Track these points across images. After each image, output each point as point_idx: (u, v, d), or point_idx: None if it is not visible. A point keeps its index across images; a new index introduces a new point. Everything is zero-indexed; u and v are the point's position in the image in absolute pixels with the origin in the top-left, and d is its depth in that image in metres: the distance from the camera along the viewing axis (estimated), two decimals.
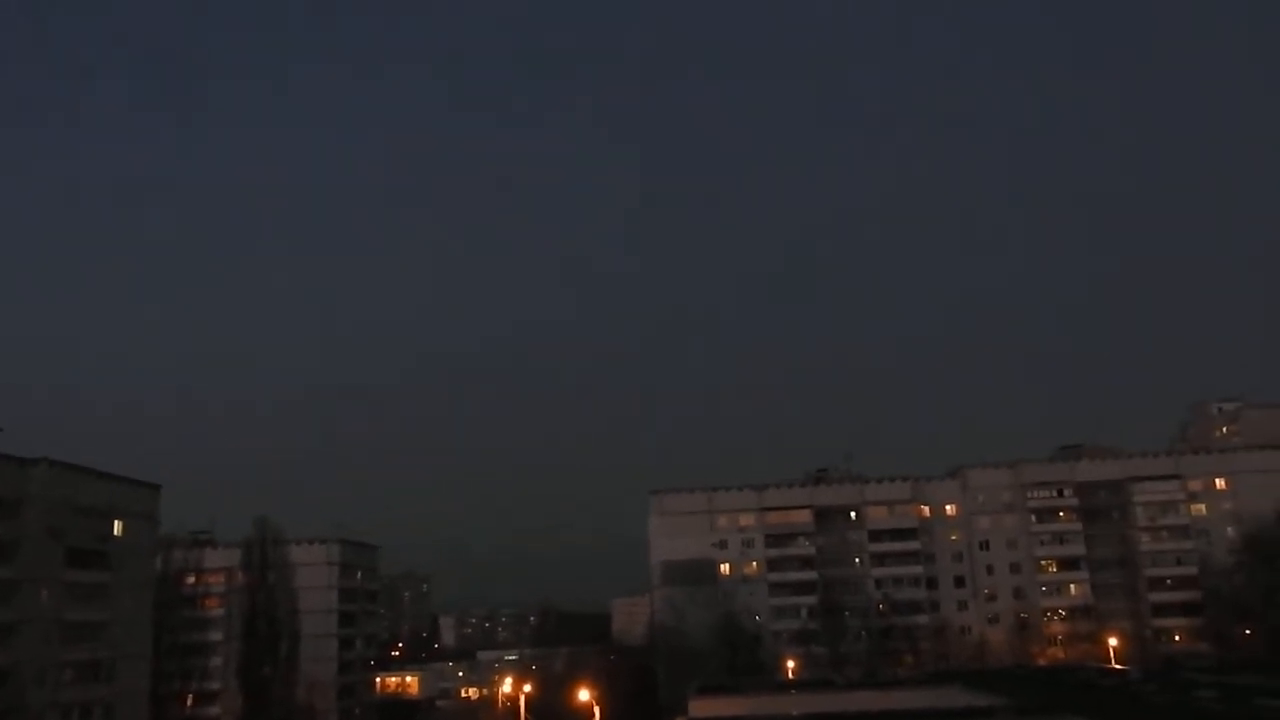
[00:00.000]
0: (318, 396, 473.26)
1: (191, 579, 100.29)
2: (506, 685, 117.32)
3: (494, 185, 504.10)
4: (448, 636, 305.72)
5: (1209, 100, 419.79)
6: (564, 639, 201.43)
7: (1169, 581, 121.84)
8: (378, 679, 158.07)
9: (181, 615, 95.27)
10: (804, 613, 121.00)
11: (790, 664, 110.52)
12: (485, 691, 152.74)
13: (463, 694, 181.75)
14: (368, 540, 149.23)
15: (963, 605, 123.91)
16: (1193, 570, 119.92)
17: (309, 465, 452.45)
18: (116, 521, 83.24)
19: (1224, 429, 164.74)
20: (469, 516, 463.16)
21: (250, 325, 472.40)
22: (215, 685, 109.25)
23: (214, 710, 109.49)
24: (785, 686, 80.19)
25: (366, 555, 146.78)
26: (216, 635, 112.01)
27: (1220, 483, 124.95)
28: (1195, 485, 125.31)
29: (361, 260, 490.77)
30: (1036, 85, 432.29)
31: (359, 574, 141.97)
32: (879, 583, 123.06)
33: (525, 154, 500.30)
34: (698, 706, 57.55)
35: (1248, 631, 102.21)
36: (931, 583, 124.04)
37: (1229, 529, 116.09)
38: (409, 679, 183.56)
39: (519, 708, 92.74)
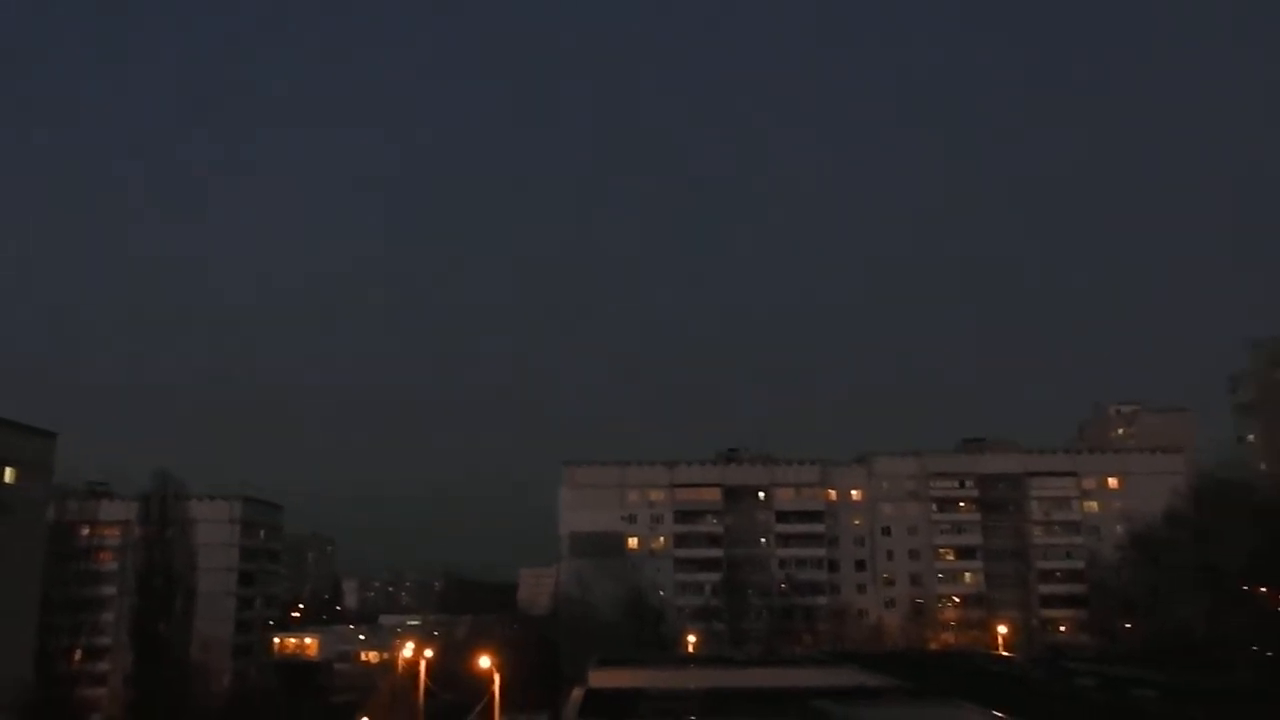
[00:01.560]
0: (225, 352, 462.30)
1: (86, 531, 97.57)
2: (407, 650, 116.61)
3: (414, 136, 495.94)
4: (350, 600, 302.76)
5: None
6: (468, 607, 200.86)
7: (1058, 574, 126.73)
8: (276, 639, 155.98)
9: (74, 568, 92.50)
10: (708, 589, 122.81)
11: (692, 639, 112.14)
12: (386, 656, 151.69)
13: (363, 657, 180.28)
14: (272, 499, 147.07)
15: (862, 589, 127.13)
16: (1081, 565, 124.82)
17: (214, 423, 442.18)
18: (7, 469, 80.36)
19: (1120, 430, 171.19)
20: (377, 480, 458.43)
21: (151, 274, 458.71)
22: (106, 641, 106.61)
23: (103, 666, 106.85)
24: (685, 661, 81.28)
25: (270, 514, 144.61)
26: (110, 590, 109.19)
27: (1113, 482, 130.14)
28: (1089, 483, 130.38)
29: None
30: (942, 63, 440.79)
31: (261, 533, 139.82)
32: (783, 563, 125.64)
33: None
34: (598, 677, 58.04)
35: (1128, 626, 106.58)
36: (834, 565, 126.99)
37: (1118, 527, 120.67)
38: (308, 640, 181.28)
39: (419, 673, 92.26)
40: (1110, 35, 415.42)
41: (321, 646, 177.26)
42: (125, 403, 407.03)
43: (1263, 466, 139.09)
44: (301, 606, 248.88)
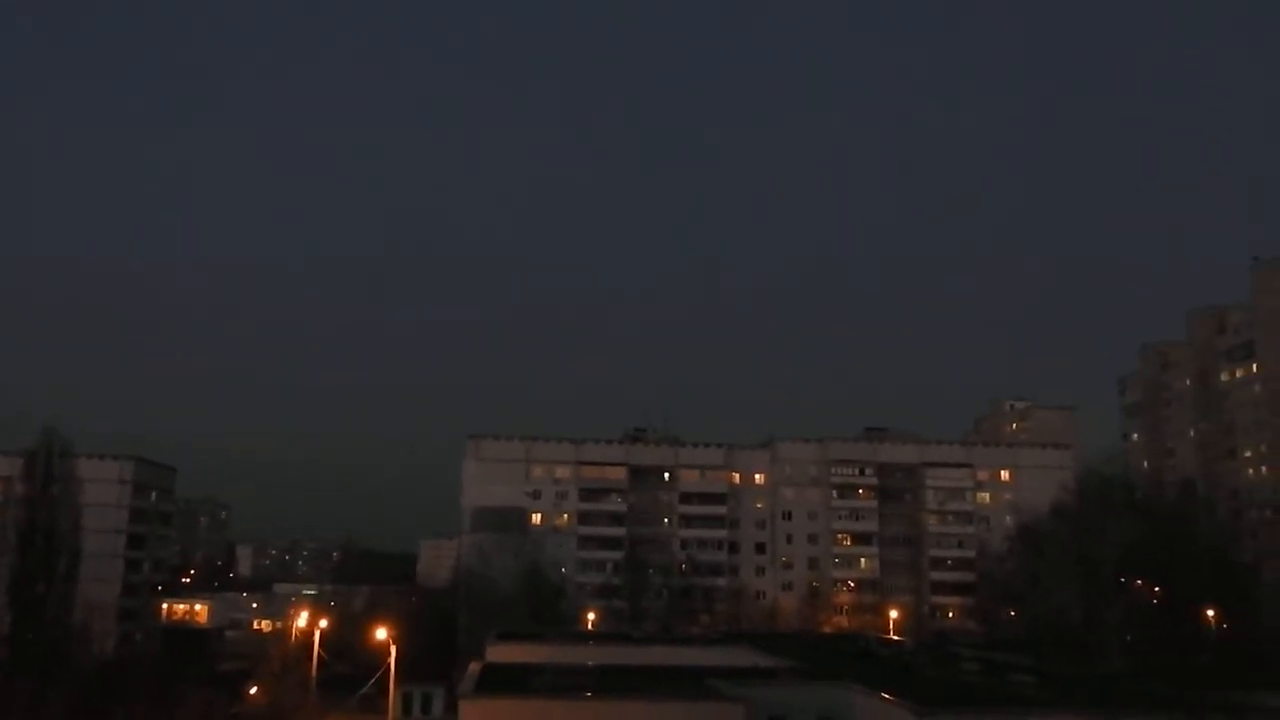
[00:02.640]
0: (129, 313, 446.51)
1: None
2: (302, 619, 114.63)
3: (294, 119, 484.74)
4: (244, 567, 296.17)
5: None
6: (367, 577, 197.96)
7: (949, 562, 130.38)
8: (164, 605, 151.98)
9: None
10: (609, 567, 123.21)
11: (591, 616, 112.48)
12: (279, 625, 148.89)
13: (255, 626, 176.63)
14: (165, 461, 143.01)
15: (761, 571, 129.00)
16: (971, 554, 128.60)
17: (107, 380, 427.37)
18: None
19: (1014, 425, 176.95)
20: (275, 445, 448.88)
21: (54, 224, 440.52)
22: None
23: None
24: (584, 637, 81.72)
25: (162, 476, 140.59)
26: None
27: (1005, 474, 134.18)
28: (983, 475, 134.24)
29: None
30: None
31: (153, 495, 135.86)
32: (684, 543, 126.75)
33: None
34: (495, 652, 58.07)
35: (1013, 614, 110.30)
36: (734, 547, 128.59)
37: (1007, 518, 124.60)
38: (198, 607, 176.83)
39: (313, 643, 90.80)
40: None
41: (212, 613, 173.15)
42: (17, 357, 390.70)
43: (1145, 465, 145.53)
44: (193, 572, 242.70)
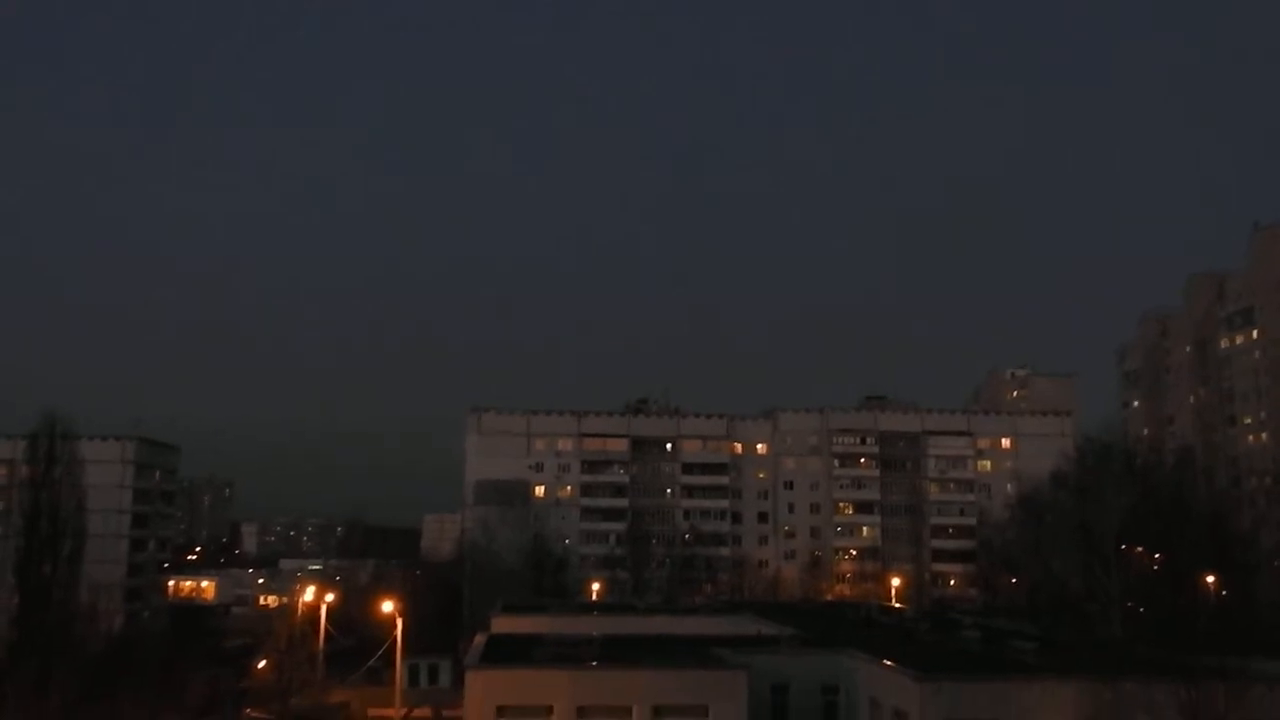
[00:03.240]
0: (129, 292, 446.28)
1: None
2: (308, 594, 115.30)
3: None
4: (250, 544, 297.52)
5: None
6: (371, 552, 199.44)
7: (950, 530, 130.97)
8: (171, 583, 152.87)
9: None
10: (612, 539, 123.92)
11: (595, 587, 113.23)
12: (285, 600, 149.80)
13: (261, 602, 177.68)
14: (168, 441, 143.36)
15: (763, 540, 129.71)
16: (972, 521, 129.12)
17: (109, 360, 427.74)
18: None
19: (1014, 393, 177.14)
20: (279, 423, 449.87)
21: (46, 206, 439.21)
22: None
23: None
24: (588, 608, 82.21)
25: (165, 455, 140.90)
26: None
27: (1006, 442, 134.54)
28: (983, 443, 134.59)
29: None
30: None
31: (156, 474, 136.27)
32: (687, 514, 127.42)
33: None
34: (500, 624, 58.53)
35: (1013, 581, 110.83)
36: (736, 517, 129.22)
37: (1008, 485, 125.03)
38: (204, 584, 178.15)
39: (319, 617, 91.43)
40: None
41: (218, 590, 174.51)
42: (19, 338, 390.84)
43: (1145, 432, 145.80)
44: (198, 550, 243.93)
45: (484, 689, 37.00)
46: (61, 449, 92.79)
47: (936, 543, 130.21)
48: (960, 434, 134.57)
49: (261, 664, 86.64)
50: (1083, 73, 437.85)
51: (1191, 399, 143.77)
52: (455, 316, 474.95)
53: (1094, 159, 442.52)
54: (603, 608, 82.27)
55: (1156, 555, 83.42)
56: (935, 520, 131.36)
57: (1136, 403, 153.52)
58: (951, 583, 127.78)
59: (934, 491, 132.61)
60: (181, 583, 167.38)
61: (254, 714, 65.88)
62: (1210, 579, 78.87)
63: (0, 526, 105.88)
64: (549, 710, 36.51)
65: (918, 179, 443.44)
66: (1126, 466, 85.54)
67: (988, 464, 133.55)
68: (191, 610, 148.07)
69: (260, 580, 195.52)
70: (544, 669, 39.10)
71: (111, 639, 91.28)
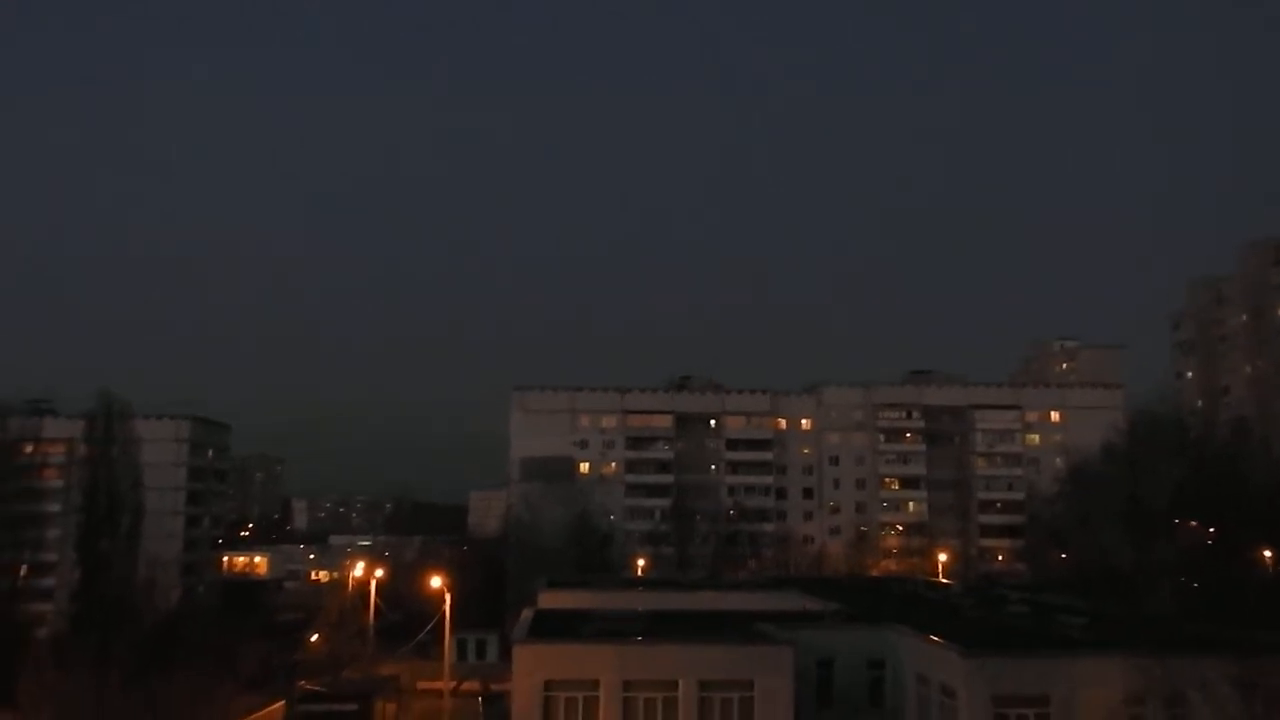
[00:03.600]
0: (180, 274, 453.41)
1: (29, 448, 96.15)
2: (358, 569, 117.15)
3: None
4: (300, 521, 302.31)
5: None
6: (418, 528, 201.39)
7: (998, 505, 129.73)
8: (224, 558, 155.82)
9: (17, 485, 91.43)
10: (657, 514, 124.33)
11: (640, 563, 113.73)
12: (335, 575, 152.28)
13: (312, 577, 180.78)
14: (220, 419, 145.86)
15: (808, 516, 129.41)
16: (1020, 496, 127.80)
17: (160, 339, 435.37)
18: None
19: (1062, 365, 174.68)
20: (327, 400, 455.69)
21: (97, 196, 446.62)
22: (51, 557, 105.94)
23: (48, 582, 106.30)
24: (632, 584, 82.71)
25: (218, 434, 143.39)
26: (54, 507, 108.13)
27: (1054, 416, 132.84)
28: (1032, 416, 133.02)
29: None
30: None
31: (209, 452, 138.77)
32: (731, 490, 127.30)
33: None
34: (546, 599, 59.08)
35: (1063, 556, 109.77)
36: (781, 493, 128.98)
37: (1057, 459, 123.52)
38: (257, 559, 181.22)
39: (369, 592, 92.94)
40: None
41: (270, 565, 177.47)
42: (72, 320, 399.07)
43: (1199, 404, 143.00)
44: (250, 527, 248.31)
45: (531, 663, 37.43)
46: (118, 428, 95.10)
47: (984, 518, 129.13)
48: (1008, 408, 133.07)
49: (314, 637, 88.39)
50: (1134, 28, 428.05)
51: (1247, 368, 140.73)
52: (501, 293, 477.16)
53: (1144, 120, 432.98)
54: (647, 583, 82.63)
55: (1210, 529, 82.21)
56: (982, 495, 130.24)
57: (1190, 373, 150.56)
58: (999, 558, 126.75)
59: (981, 466, 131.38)
60: (235, 558, 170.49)
61: (306, 686, 67.18)
62: (1266, 553, 77.59)
63: (60, 504, 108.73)
64: (596, 684, 36.85)
65: (961, 147, 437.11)
66: (1179, 438, 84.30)
67: (1036, 438, 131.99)
68: (245, 585, 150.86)
69: (311, 556, 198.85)
70: (590, 644, 39.43)
71: (168, 613, 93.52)
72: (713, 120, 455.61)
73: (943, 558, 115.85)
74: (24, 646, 57.40)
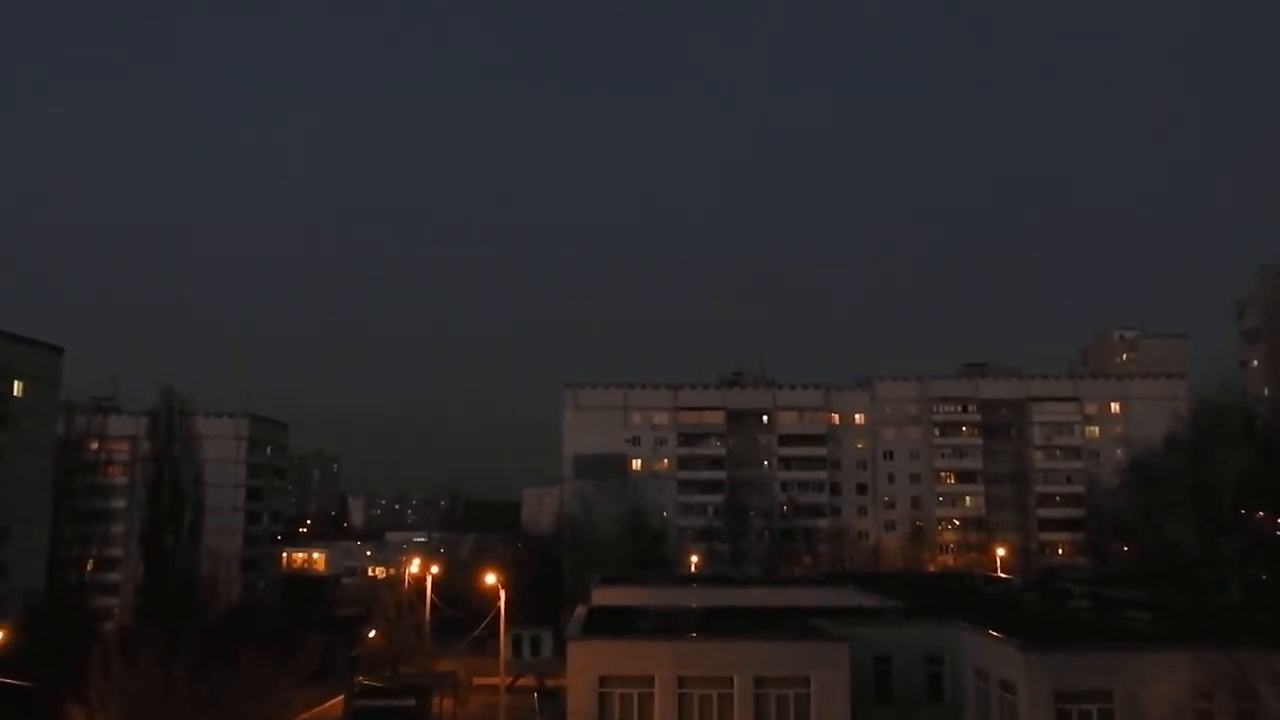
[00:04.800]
0: (237, 274, 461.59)
1: (95, 445, 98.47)
2: (414, 566, 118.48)
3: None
4: (356, 517, 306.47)
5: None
6: (473, 525, 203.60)
7: (1058, 498, 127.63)
8: (284, 554, 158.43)
9: (83, 481, 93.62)
10: (710, 511, 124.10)
11: (694, 559, 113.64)
12: (392, 571, 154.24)
13: (369, 573, 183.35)
14: (278, 417, 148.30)
15: (863, 511, 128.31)
16: (1080, 489, 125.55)
17: (222, 340, 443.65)
18: (16, 382, 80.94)
19: (1123, 356, 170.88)
20: (382, 399, 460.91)
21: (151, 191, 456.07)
22: (117, 552, 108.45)
23: (115, 576, 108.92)
24: (686, 580, 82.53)
25: (276, 432, 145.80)
26: (119, 503, 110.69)
27: (1115, 407, 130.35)
28: (1091, 408, 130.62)
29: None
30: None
31: (268, 450, 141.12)
32: (785, 485, 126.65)
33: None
34: (600, 595, 59.18)
35: (1125, 549, 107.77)
36: (835, 488, 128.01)
37: (1118, 451, 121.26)
38: (315, 555, 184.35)
39: (425, 588, 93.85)
40: None
41: (329, 562, 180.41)
42: (129, 318, 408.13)
43: (1265, 392, 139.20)
44: (308, 523, 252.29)
45: (586, 659, 37.44)
46: (180, 425, 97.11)
47: (1043, 511, 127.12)
48: (1067, 399, 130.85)
49: (371, 633, 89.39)
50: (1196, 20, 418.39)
51: None
52: (552, 289, 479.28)
53: (1205, 102, 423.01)
54: (701, 579, 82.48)
55: (1278, 518, 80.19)
56: (1041, 488, 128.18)
57: (1255, 361, 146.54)
58: (1060, 551, 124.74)
59: (1040, 459, 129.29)
60: (294, 554, 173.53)
61: (365, 681, 67.96)
62: None
63: (124, 499, 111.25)
64: (650, 680, 36.74)
65: (1018, 134, 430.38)
66: (1245, 427, 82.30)
67: (1096, 430, 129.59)
68: (304, 581, 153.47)
69: (368, 552, 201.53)
70: (645, 640, 39.34)
71: (230, 607, 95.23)
72: (761, 114, 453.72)
73: (1001, 552, 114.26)
74: (92, 640, 58.69)
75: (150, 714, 41.02)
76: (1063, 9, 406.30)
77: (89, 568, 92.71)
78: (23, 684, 48.16)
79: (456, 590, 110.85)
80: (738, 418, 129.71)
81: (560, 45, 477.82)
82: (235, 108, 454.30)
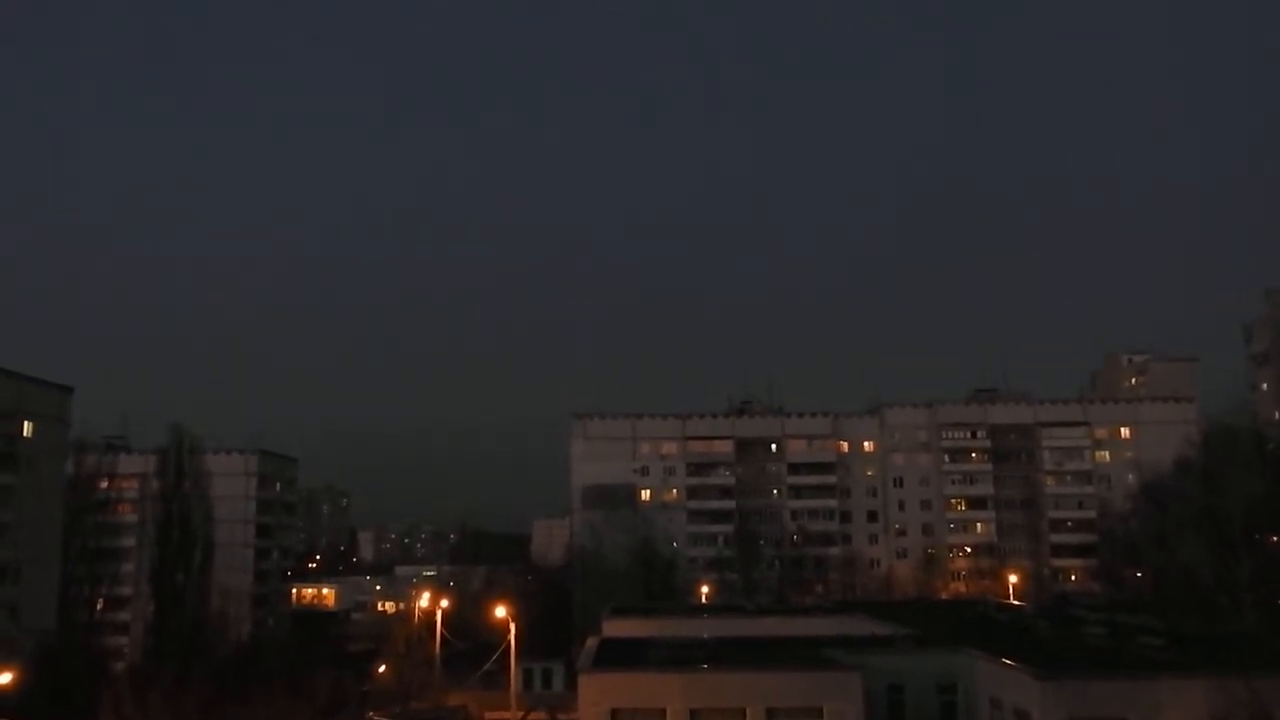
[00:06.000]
0: (243, 309, 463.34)
1: (105, 484, 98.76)
2: (424, 600, 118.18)
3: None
4: (366, 551, 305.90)
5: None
6: (483, 557, 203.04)
7: (1069, 524, 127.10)
8: (294, 590, 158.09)
9: (93, 520, 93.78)
10: (720, 540, 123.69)
11: (704, 589, 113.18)
12: (402, 606, 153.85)
13: (379, 607, 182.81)
14: (287, 453, 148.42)
15: (873, 539, 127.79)
16: (1092, 514, 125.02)
17: (229, 374, 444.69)
18: (25, 423, 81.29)
19: (1132, 380, 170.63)
20: (391, 432, 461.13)
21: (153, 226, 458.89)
22: (127, 591, 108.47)
23: (125, 615, 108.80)
24: (698, 610, 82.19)
25: (285, 467, 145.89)
26: (129, 541, 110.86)
27: (1125, 431, 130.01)
28: (1101, 433, 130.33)
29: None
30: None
31: (277, 485, 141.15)
32: (794, 514, 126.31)
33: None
34: (611, 627, 58.99)
35: (1138, 574, 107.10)
36: (845, 516, 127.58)
37: (1129, 476, 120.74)
38: (325, 591, 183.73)
39: (435, 622, 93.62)
40: None
41: (338, 597, 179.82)
42: (133, 355, 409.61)
43: (1276, 415, 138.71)
44: (318, 558, 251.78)
45: (597, 692, 37.36)
46: (189, 463, 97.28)
47: (1055, 537, 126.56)
48: (1076, 424, 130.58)
49: (382, 668, 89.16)
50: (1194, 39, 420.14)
51: None
52: (558, 321, 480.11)
53: (1215, 128, 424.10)
54: (712, 609, 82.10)
55: None
56: (1053, 514, 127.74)
57: (1265, 385, 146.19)
58: (1072, 577, 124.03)
59: (1050, 484, 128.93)
60: (304, 590, 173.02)
61: (376, 716, 67.73)
62: None
63: (134, 538, 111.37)
64: (662, 713, 36.64)
65: (1023, 154, 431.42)
66: (1256, 450, 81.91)
67: (1106, 454, 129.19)
68: (314, 616, 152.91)
69: (377, 587, 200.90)
70: (656, 672, 39.25)
71: (241, 644, 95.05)
72: (765, 139, 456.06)
73: (1013, 579, 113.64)
74: (102, 679, 58.71)
75: None
76: (1063, 9, 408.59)
77: (99, 606, 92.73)
78: None
79: (467, 623, 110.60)
80: (746, 446, 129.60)
81: (561, 48, 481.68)
82: (238, 118, 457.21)
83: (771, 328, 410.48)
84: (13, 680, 49.08)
